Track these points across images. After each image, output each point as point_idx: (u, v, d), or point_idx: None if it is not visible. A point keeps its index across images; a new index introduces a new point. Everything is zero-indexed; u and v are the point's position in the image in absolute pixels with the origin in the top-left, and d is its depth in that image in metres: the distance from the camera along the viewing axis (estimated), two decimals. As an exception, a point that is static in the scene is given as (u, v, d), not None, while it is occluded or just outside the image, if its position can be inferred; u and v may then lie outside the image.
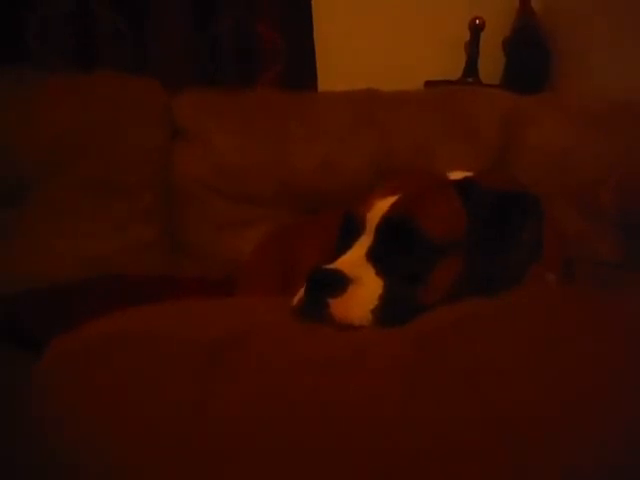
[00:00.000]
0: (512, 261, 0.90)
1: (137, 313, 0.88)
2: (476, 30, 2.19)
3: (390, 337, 0.76)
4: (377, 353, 0.72)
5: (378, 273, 0.87)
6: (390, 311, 0.84)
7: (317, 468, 0.63)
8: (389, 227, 0.90)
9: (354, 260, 0.88)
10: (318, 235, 1.29)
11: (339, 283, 0.84)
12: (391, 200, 0.93)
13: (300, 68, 2.15)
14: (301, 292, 0.86)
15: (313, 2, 2.14)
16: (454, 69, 2.23)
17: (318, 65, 2.17)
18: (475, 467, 0.60)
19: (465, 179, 1.00)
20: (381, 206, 0.93)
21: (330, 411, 0.66)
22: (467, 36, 2.22)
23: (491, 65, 2.26)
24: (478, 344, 0.71)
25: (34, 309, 1.29)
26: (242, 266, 1.48)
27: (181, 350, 0.75)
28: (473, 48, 2.22)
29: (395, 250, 0.89)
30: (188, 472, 0.65)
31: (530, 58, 2.18)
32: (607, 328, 0.72)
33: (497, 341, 0.71)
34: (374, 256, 0.88)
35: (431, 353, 0.71)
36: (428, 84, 2.19)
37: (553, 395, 0.63)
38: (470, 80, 2.21)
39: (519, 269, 0.91)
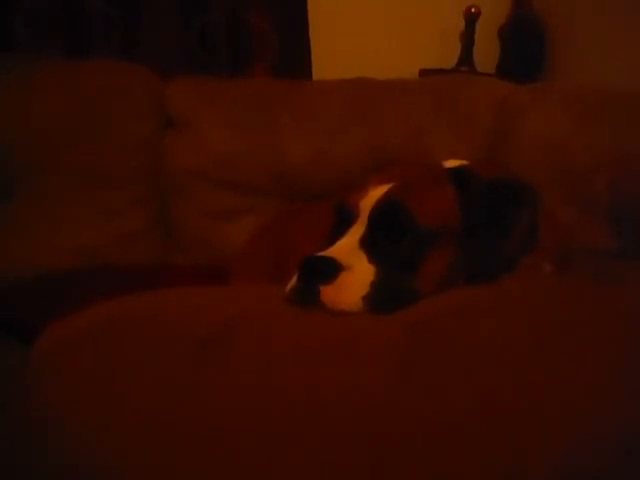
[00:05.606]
0: (506, 250, 0.91)
1: (133, 300, 0.89)
2: (471, 18, 2.18)
3: (384, 324, 0.77)
4: (371, 341, 0.72)
5: (370, 260, 0.87)
6: (381, 298, 0.85)
7: (310, 454, 0.63)
8: (382, 215, 0.91)
9: (347, 247, 0.89)
10: (312, 224, 1.29)
11: (331, 270, 0.85)
12: (384, 188, 0.94)
13: (294, 58, 2.14)
14: (294, 279, 0.87)
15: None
16: (449, 58, 2.22)
17: (312, 54, 2.15)
18: (474, 460, 0.59)
19: (461, 168, 1.00)
20: (374, 194, 0.93)
21: (323, 399, 0.66)
22: (462, 24, 2.21)
23: (486, 54, 2.25)
24: (474, 333, 0.71)
25: (28, 300, 1.29)
26: (236, 255, 1.48)
27: (176, 337, 0.76)
28: (468, 36, 2.21)
29: (388, 238, 0.89)
30: (181, 457, 0.65)
31: (525, 47, 2.18)
32: (605, 317, 0.72)
33: (494, 330, 0.71)
34: (367, 244, 0.89)
35: (426, 341, 0.71)
36: (423, 73, 2.17)
37: (552, 389, 0.63)
38: (465, 69, 2.20)
39: (513, 258, 0.91)
